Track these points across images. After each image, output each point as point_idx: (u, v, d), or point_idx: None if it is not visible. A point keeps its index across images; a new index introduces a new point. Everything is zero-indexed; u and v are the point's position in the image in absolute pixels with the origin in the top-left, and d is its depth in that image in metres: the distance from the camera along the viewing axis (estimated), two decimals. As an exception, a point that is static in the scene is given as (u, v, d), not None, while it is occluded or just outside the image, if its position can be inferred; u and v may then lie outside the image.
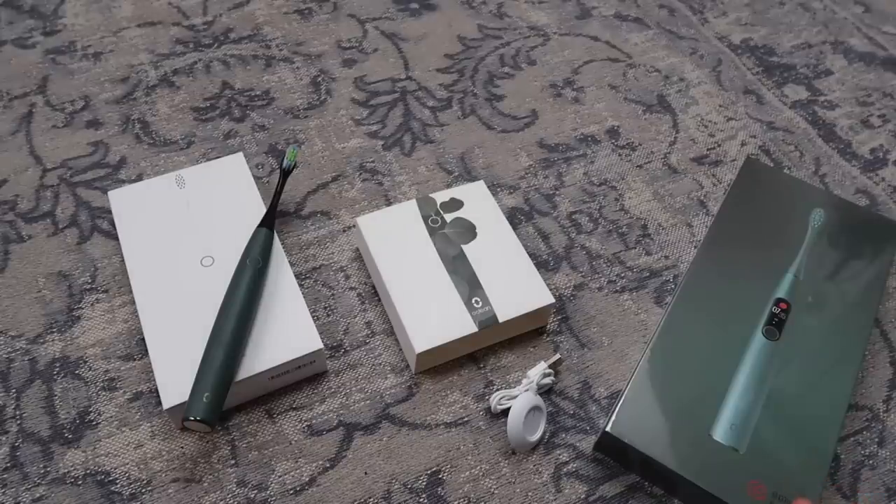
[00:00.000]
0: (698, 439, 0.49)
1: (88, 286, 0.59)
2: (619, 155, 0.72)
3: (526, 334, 0.58)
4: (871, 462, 0.54)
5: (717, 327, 0.55)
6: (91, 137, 0.69)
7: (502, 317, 0.55)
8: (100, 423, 0.52)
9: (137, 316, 0.57)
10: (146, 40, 0.78)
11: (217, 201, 0.60)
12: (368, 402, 0.54)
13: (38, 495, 0.49)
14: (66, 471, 0.50)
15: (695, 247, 0.65)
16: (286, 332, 0.53)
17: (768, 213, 0.62)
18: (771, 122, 0.76)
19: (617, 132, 0.74)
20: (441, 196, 0.62)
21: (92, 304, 0.58)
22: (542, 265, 0.63)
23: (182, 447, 0.51)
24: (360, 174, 0.68)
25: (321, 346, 0.52)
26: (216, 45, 0.78)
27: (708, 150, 0.73)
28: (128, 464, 0.50)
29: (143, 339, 0.56)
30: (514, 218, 0.66)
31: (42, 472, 0.50)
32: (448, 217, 0.60)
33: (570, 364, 0.57)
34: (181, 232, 0.58)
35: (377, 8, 0.84)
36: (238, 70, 0.76)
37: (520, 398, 0.52)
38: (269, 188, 0.66)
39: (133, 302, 0.58)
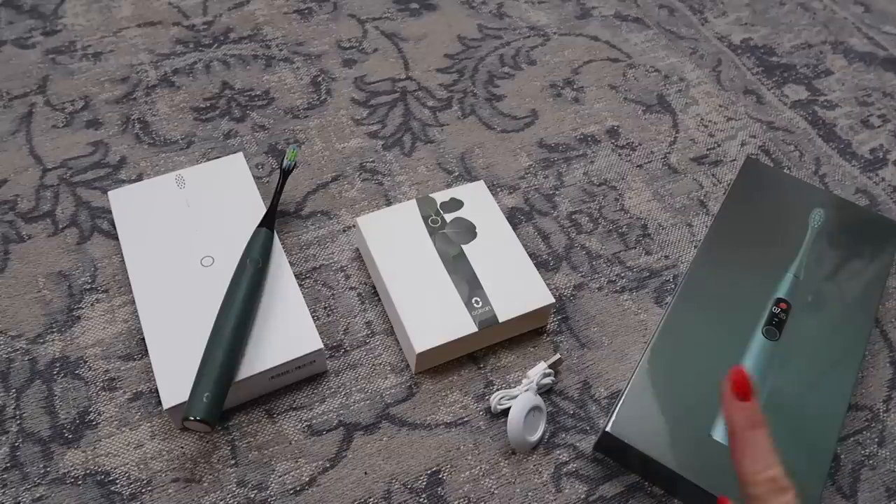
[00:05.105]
0: (698, 439, 0.49)
1: (88, 286, 0.59)
2: (619, 155, 0.72)
3: (526, 334, 0.58)
4: (871, 462, 0.54)
5: (717, 327, 0.55)
6: (91, 137, 0.69)
7: (502, 317, 0.55)
8: (100, 423, 0.52)
9: (137, 316, 0.57)
10: (146, 40, 0.78)
11: (217, 201, 0.60)
12: (368, 402, 0.54)
13: (38, 495, 0.49)
14: (66, 471, 0.50)
15: (695, 247, 0.65)
16: (286, 332, 0.53)
17: (768, 213, 0.62)
18: (771, 122, 0.76)
19: (617, 132, 0.74)
20: (441, 196, 0.62)
21: (92, 304, 0.58)
22: (542, 265, 0.63)
23: (182, 447, 0.51)
24: (360, 174, 0.68)
25: (321, 346, 0.52)
26: (216, 45, 0.78)
27: (708, 150, 0.73)
28: (128, 464, 0.50)
29: (143, 339, 0.56)
30: (514, 218, 0.66)
31: (42, 472, 0.50)
32: (448, 217, 0.60)
33: (570, 364, 0.57)
34: (181, 232, 0.58)
35: (377, 8, 0.84)
36: (238, 70, 0.76)
37: (520, 398, 0.52)
38: (269, 188, 0.66)
39: (133, 302, 0.58)
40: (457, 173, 0.69)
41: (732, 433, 0.36)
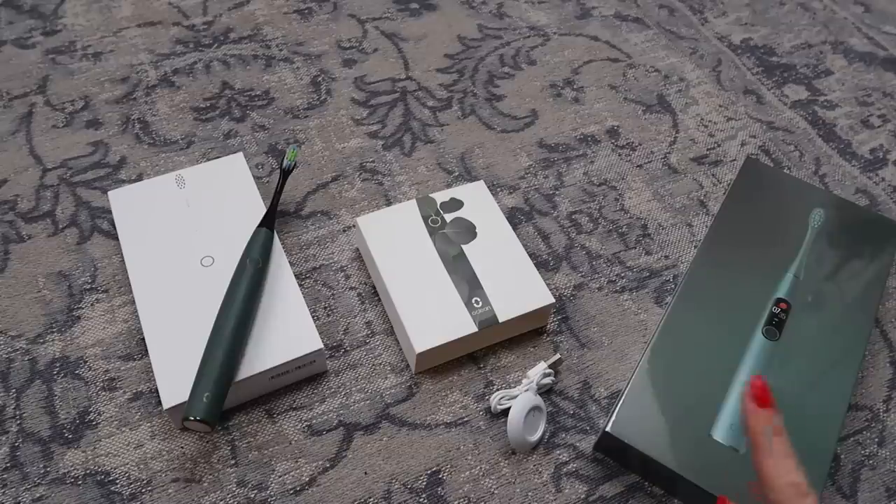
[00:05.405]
0: (698, 439, 0.49)
1: (88, 286, 0.59)
2: (619, 155, 0.72)
3: (526, 334, 0.58)
4: (871, 462, 0.54)
5: (717, 327, 0.55)
6: (91, 137, 0.69)
7: (502, 317, 0.55)
8: (100, 423, 0.52)
9: (137, 316, 0.57)
10: (146, 40, 0.78)
11: (217, 201, 0.60)
12: (368, 402, 0.54)
13: (38, 495, 0.49)
14: (66, 471, 0.50)
15: (695, 247, 0.65)
16: (286, 332, 0.53)
17: (768, 213, 0.62)
18: (771, 122, 0.76)
19: (617, 132, 0.74)
20: (441, 196, 0.62)
21: (92, 304, 0.58)
22: (542, 265, 0.63)
23: (182, 447, 0.51)
24: (360, 174, 0.68)
25: (321, 346, 0.52)
26: (216, 45, 0.78)
27: (708, 150, 0.73)
28: (128, 464, 0.50)
29: (143, 339, 0.56)
30: (514, 218, 0.66)
31: (42, 472, 0.50)
32: (448, 217, 0.60)
33: (570, 364, 0.57)
34: (181, 232, 0.58)
35: (377, 8, 0.84)
36: (238, 70, 0.76)
37: (520, 398, 0.52)
38: (269, 188, 0.66)
39: (133, 302, 0.58)
40: (457, 173, 0.69)
41: (754, 439, 0.37)
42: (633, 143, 0.73)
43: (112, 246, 0.62)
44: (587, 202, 0.68)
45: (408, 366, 0.56)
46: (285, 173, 0.61)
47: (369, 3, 0.84)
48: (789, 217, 0.62)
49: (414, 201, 0.61)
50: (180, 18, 0.80)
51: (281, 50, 0.78)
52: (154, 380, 0.54)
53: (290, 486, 0.50)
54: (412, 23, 0.82)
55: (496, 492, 0.51)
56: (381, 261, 0.57)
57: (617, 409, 0.50)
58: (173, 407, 0.49)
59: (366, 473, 0.51)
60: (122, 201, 0.60)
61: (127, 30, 0.79)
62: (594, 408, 0.55)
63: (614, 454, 0.52)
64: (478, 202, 0.61)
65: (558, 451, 0.53)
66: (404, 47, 0.79)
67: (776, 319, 0.55)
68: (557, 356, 0.56)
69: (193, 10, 0.81)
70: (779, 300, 0.56)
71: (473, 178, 0.68)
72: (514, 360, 0.57)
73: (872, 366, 0.59)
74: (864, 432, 0.55)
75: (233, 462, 0.51)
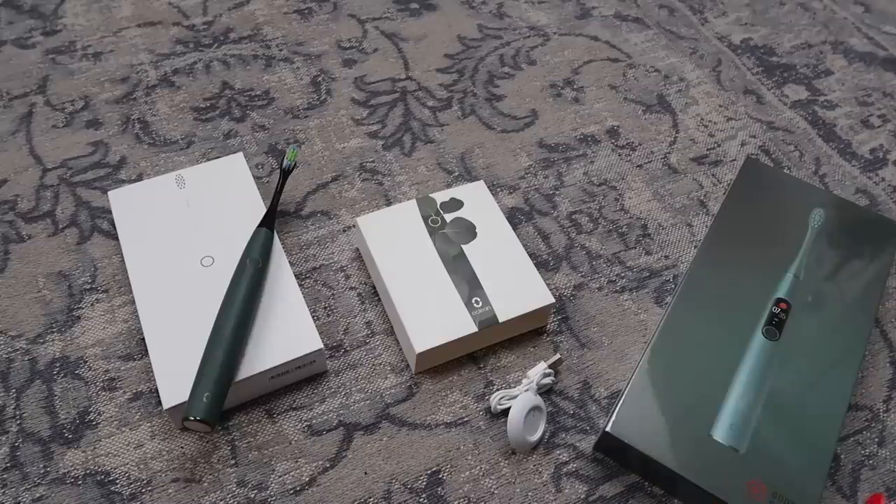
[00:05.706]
0: (698, 439, 0.49)
1: (88, 286, 0.59)
2: (619, 155, 0.72)
3: (526, 334, 0.58)
4: (871, 462, 0.54)
5: (717, 327, 0.55)
6: (91, 137, 0.69)
7: (502, 317, 0.55)
8: (100, 423, 0.52)
9: (137, 316, 0.57)
10: (146, 40, 0.78)
11: (217, 201, 0.60)
12: (368, 402, 0.54)
13: (38, 495, 0.49)
14: (66, 471, 0.50)
15: (695, 247, 0.65)
16: (286, 332, 0.53)
17: (768, 213, 0.62)
18: (771, 122, 0.76)
19: (617, 132, 0.74)
20: (441, 196, 0.62)
21: (92, 304, 0.58)
22: (542, 265, 0.63)
23: (182, 447, 0.51)
24: (360, 174, 0.68)
25: (321, 346, 0.52)
26: (216, 45, 0.78)
27: (708, 150, 0.73)
28: (128, 464, 0.50)
29: (143, 339, 0.56)
30: (514, 218, 0.66)
31: (42, 472, 0.50)
32: (448, 217, 0.60)
33: (570, 364, 0.57)
34: (181, 232, 0.58)
35: (377, 8, 0.84)
36: (238, 70, 0.76)
37: (520, 398, 0.52)
38: (269, 188, 0.66)
39: (133, 302, 0.58)
40: (457, 173, 0.69)
41: None
42: (633, 143, 0.73)
43: (112, 246, 0.62)
44: (587, 202, 0.68)
45: (408, 366, 0.56)
46: (285, 173, 0.61)
47: (369, 3, 0.84)
48: (789, 217, 0.62)
49: (414, 201, 0.61)
50: (180, 18, 0.80)
51: (281, 50, 0.78)
52: (154, 380, 0.54)
53: (290, 486, 0.50)
54: (412, 23, 0.82)
55: (496, 492, 0.51)
56: (381, 261, 0.57)
57: (617, 409, 0.50)
58: (173, 407, 0.49)
59: (366, 473, 0.51)
60: (122, 201, 0.60)
61: (127, 30, 0.79)
62: (594, 408, 0.55)
63: (614, 454, 0.52)
64: (478, 202, 0.61)
65: (558, 451, 0.53)
66: (404, 47, 0.79)
67: (776, 319, 0.55)
68: (557, 356, 0.56)
69: (193, 10, 0.81)
70: (779, 300, 0.56)
71: (473, 178, 0.68)
72: (514, 360, 0.57)
73: (872, 366, 0.59)
74: (864, 432, 0.55)
75: (233, 462, 0.51)
